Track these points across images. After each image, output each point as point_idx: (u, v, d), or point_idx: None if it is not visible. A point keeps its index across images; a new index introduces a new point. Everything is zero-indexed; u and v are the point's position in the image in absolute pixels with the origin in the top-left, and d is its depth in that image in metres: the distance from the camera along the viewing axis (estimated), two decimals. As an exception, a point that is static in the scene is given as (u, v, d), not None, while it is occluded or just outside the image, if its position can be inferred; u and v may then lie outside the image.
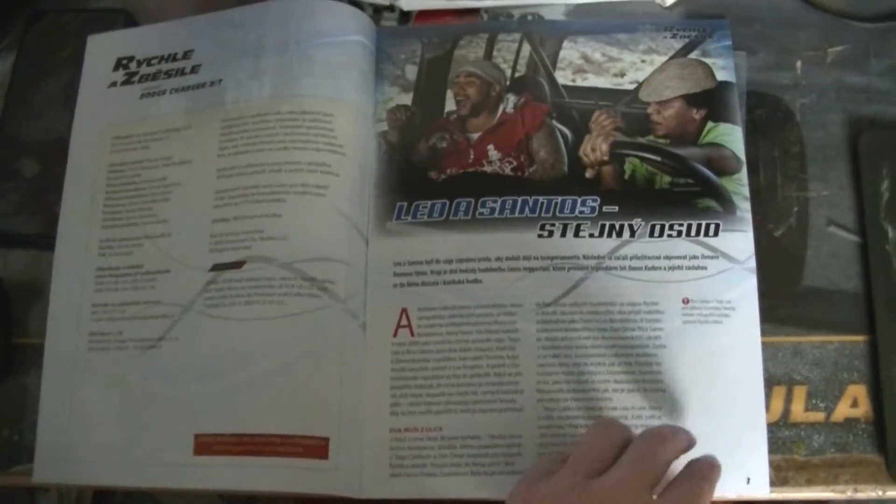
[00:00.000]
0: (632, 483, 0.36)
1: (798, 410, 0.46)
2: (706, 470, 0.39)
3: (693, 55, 0.52)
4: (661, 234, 0.48)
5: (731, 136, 0.49)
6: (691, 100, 0.51)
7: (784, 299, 0.48)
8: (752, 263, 0.47)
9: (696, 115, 0.50)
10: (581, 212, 0.48)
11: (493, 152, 0.50)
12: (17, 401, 0.49)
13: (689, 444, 0.41)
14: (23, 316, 0.51)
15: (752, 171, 0.49)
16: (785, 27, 0.53)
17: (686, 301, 0.47)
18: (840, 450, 0.46)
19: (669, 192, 0.49)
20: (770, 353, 0.47)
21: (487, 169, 0.50)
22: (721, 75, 0.51)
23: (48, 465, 0.47)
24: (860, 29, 0.53)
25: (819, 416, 0.46)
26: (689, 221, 0.48)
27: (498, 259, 0.48)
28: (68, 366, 0.49)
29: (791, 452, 0.46)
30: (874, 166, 0.49)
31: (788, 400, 0.47)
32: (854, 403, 0.46)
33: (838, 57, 0.53)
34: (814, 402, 0.47)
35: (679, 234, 0.48)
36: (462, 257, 0.48)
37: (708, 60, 0.51)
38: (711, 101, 0.50)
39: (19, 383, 0.49)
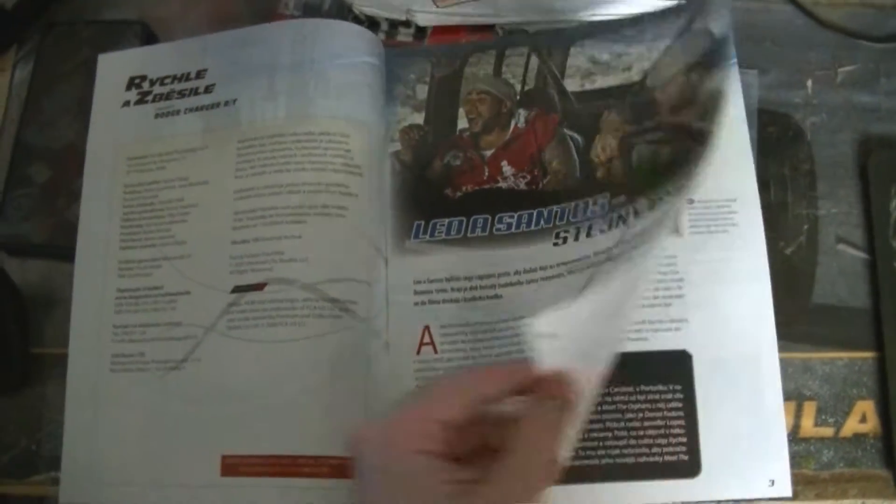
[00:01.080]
0: (422, 413, 0.33)
1: (808, 425, 0.47)
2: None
3: (696, 25, 0.52)
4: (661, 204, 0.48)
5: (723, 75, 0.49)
6: (691, 68, 0.51)
7: (794, 316, 0.49)
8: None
9: (695, 78, 0.51)
10: (592, 212, 0.49)
11: (507, 168, 0.51)
12: (34, 411, 0.50)
13: (526, 376, 0.35)
14: (40, 326, 0.51)
15: (763, 189, 0.50)
16: (796, 47, 0.54)
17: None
18: (849, 465, 0.47)
19: (672, 161, 0.49)
20: (780, 368, 0.47)
21: (502, 185, 0.51)
22: (716, 27, 0.51)
23: (74, 485, 0.47)
24: (870, 49, 0.54)
25: (828, 432, 0.47)
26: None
27: (516, 273, 0.48)
28: (91, 387, 0.49)
29: (801, 467, 0.47)
30: (883, 185, 0.50)
31: (798, 415, 0.48)
32: (863, 419, 0.47)
33: (848, 76, 0.53)
34: (823, 417, 0.48)
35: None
36: (481, 274, 0.49)
37: (708, 21, 0.51)
38: (706, 58, 0.50)
39: (37, 393, 0.50)
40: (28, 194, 0.53)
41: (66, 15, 0.58)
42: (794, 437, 0.47)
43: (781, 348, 0.47)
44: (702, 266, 0.48)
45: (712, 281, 0.48)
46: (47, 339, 0.51)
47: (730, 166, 0.50)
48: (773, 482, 0.45)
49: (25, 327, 0.51)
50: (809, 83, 0.53)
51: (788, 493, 0.45)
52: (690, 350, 0.47)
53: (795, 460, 0.47)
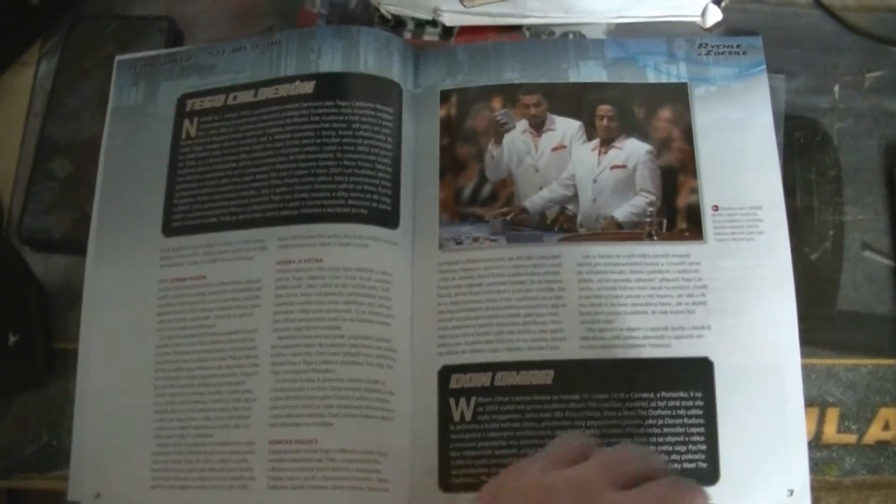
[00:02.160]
0: (593, 476, 0.34)
1: (830, 432, 0.47)
2: (686, 484, 0.35)
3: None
4: None
5: None
6: None
7: (818, 322, 0.48)
8: None
9: None
10: None
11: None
12: (56, 406, 0.50)
13: (664, 468, 0.38)
14: (62, 321, 0.51)
15: (789, 194, 0.50)
16: (824, 52, 0.54)
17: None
18: (871, 472, 0.47)
19: None
20: (803, 374, 0.47)
21: None
22: None
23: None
24: (898, 55, 0.54)
25: (851, 438, 0.47)
26: None
27: None
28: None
29: (823, 473, 0.47)
30: (910, 192, 0.50)
31: (821, 422, 0.47)
32: (886, 426, 0.47)
33: (876, 82, 0.53)
34: (846, 424, 0.47)
35: None
36: None
37: None
38: None
39: (59, 388, 0.50)
40: (50, 188, 0.53)
41: (95, 9, 0.58)
42: (817, 443, 0.47)
43: (805, 354, 0.47)
44: (725, 273, 0.48)
45: (736, 288, 0.48)
46: (70, 334, 0.50)
47: (757, 173, 0.50)
48: (791, 492, 0.45)
49: (48, 322, 0.51)
50: (837, 88, 0.53)
51: (807, 502, 0.45)
52: (712, 357, 0.47)
53: (818, 467, 0.46)
